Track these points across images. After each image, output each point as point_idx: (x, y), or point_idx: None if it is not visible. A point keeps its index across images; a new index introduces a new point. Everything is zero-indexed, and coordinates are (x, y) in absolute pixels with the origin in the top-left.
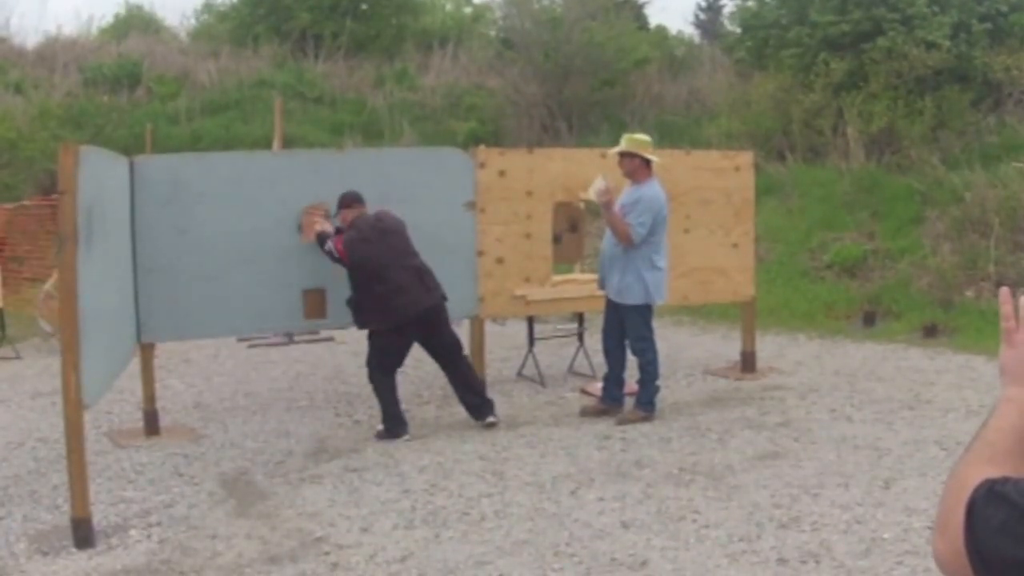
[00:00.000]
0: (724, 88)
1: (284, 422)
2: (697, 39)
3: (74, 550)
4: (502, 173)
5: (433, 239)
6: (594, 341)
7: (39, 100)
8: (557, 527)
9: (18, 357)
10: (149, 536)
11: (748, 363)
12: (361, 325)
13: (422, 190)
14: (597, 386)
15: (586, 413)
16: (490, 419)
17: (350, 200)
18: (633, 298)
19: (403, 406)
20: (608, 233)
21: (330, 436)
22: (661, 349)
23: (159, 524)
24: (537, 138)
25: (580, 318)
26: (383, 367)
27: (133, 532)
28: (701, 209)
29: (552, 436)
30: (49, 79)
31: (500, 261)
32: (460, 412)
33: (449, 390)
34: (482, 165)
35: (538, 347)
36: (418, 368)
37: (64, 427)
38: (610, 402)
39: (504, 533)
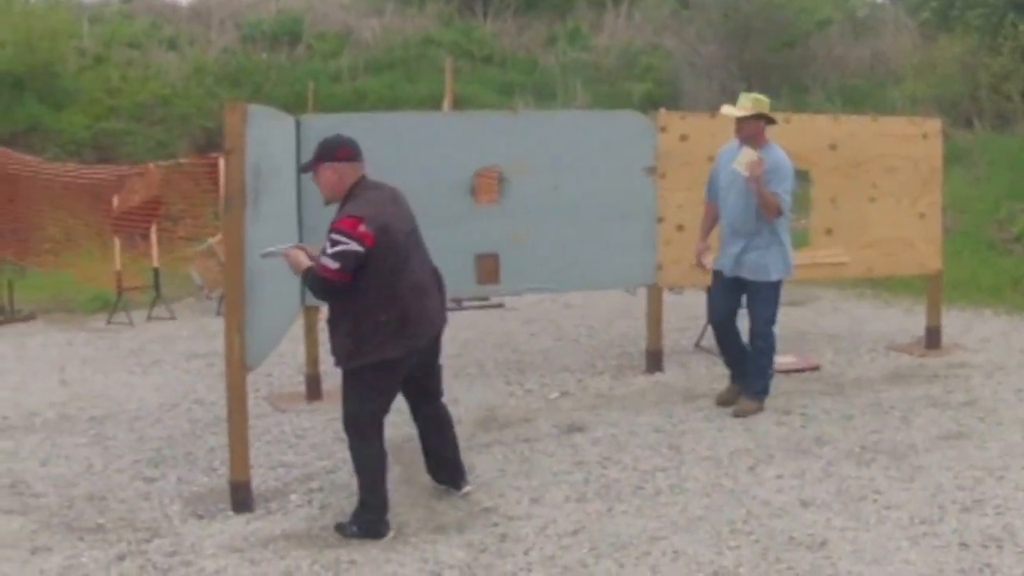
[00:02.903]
0: (908, 51)
1: (452, 389)
2: None
3: (231, 514)
4: (683, 137)
5: (609, 205)
6: None
7: (194, 57)
8: (734, 504)
9: (172, 317)
10: (310, 501)
11: (933, 339)
12: (358, 358)
13: (599, 154)
14: (778, 359)
15: (723, 401)
16: (467, 488)
17: (348, 150)
18: (776, 272)
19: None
20: (730, 209)
21: (500, 405)
22: (843, 322)
23: (320, 490)
24: (716, 100)
25: None
26: (376, 419)
27: (293, 497)
28: (887, 177)
29: (730, 409)
30: (205, 35)
31: (680, 228)
32: (636, 383)
33: (625, 359)
34: (663, 129)
35: None
36: (592, 337)
37: (225, 389)
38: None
39: (679, 508)
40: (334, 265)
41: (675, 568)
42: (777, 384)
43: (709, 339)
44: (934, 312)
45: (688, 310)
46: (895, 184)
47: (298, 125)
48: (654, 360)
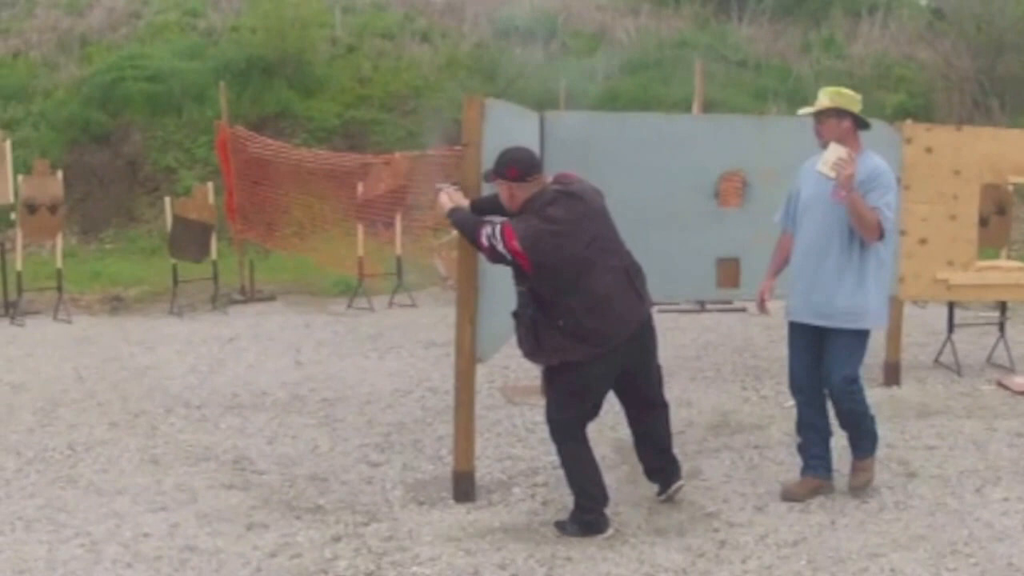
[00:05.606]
0: None
1: (687, 391)
2: None
3: (452, 503)
4: (929, 150)
5: None
6: (1016, 332)
7: (446, 50)
8: (957, 524)
9: (413, 305)
10: (533, 496)
11: None
12: (540, 356)
13: None
14: (1017, 380)
15: (790, 497)
16: (677, 484)
17: (516, 170)
18: (871, 319)
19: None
20: (807, 230)
21: (734, 410)
22: None
23: (545, 485)
24: (968, 115)
25: (1003, 307)
26: (574, 425)
27: (516, 490)
28: None
29: (963, 428)
30: (458, 29)
31: (923, 242)
32: (871, 395)
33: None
34: (908, 140)
35: (957, 334)
36: None
37: (454, 378)
38: (825, 473)
39: (902, 526)
40: (484, 243)
41: None
42: (1013, 406)
43: (947, 356)
44: None
45: (929, 325)
46: None
47: (542, 121)
48: (892, 373)
